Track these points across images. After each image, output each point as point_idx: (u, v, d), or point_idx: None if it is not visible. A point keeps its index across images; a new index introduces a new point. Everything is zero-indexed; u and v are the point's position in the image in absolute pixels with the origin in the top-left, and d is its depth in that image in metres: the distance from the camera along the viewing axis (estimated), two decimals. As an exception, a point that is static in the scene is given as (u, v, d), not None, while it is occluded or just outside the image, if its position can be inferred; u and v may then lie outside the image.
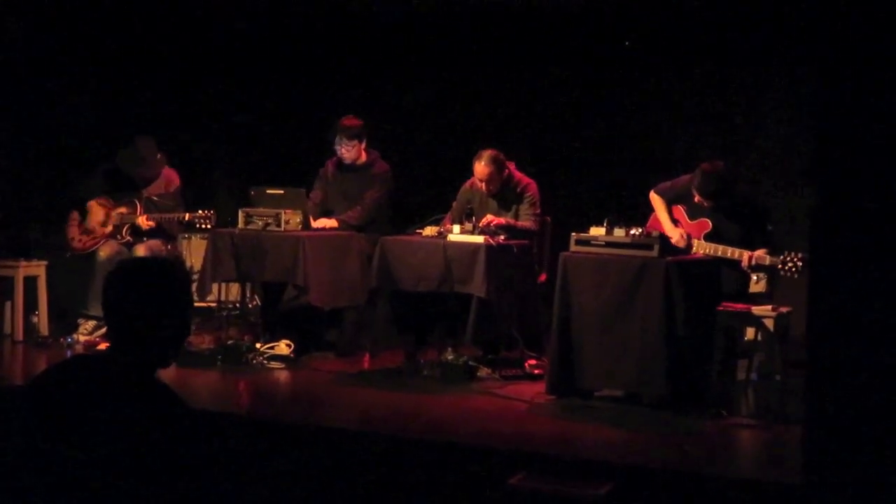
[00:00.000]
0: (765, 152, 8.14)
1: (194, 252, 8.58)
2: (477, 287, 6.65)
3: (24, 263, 7.97)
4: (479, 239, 6.76)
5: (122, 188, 7.97)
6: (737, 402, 6.33)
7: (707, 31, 8.06)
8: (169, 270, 2.79)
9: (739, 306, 6.21)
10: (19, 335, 7.86)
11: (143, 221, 7.82)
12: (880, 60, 3.68)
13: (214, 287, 7.95)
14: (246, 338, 7.58)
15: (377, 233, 7.42)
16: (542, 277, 7.28)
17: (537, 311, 7.07)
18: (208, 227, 7.60)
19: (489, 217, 7.07)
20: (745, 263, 6.30)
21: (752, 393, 6.57)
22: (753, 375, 6.67)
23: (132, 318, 2.68)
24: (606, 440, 5.56)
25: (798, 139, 7.73)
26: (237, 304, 8.48)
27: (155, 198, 7.95)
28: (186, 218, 7.75)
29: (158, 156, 8.02)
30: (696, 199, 6.49)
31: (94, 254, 7.86)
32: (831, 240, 3.79)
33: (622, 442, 5.54)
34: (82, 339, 7.65)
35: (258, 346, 7.28)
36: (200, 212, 7.67)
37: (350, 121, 7.74)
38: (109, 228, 7.91)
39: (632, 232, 6.23)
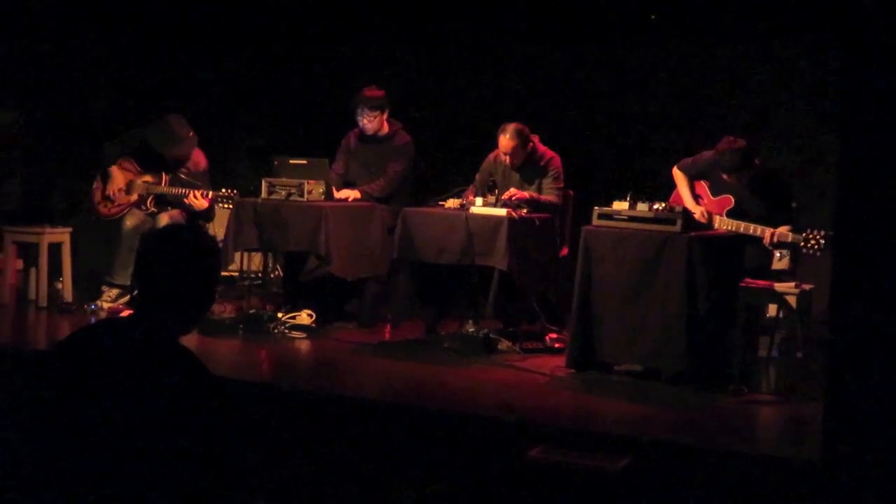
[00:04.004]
0: (790, 129, 8.09)
1: (218, 222, 8.60)
2: (498, 260, 6.65)
3: (48, 230, 8.01)
4: (502, 212, 6.75)
5: (153, 169, 7.94)
6: (757, 379, 6.33)
7: (734, 4, 7.99)
8: (203, 237, 2.87)
9: (762, 283, 6.19)
10: (43, 301, 7.92)
11: (200, 200, 7.69)
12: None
13: (237, 256, 7.96)
14: (268, 307, 7.61)
15: (399, 204, 7.43)
16: (564, 251, 7.27)
17: (558, 284, 7.07)
18: (230, 207, 7.56)
19: (512, 190, 7.06)
20: (767, 240, 6.27)
21: (773, 370, 6.57)
22: (775, 352, 6.66)
23: (165, 281, 2.71)
24: (625, 414, 5.57)
25: (824, 116, 7.68)
26: (259, 274, 8.51)
27: (183, 175, 7.91)
28: (210, 195, 7.72)
29: (191, 133, 7.94)
30: (720, 175, 6.46)
31: (119, 222, 7.85)
32: (855, 217, 3.77)
33: (641, 416, 5.54)
34: (106, 306, 7.68)
35: (280, 315, 7.31)
36: (224, 190, 7.65)
37: (372, 92, 7.71)
38: (134, 197, 7.90)
39: (655, 206, 6.22)
